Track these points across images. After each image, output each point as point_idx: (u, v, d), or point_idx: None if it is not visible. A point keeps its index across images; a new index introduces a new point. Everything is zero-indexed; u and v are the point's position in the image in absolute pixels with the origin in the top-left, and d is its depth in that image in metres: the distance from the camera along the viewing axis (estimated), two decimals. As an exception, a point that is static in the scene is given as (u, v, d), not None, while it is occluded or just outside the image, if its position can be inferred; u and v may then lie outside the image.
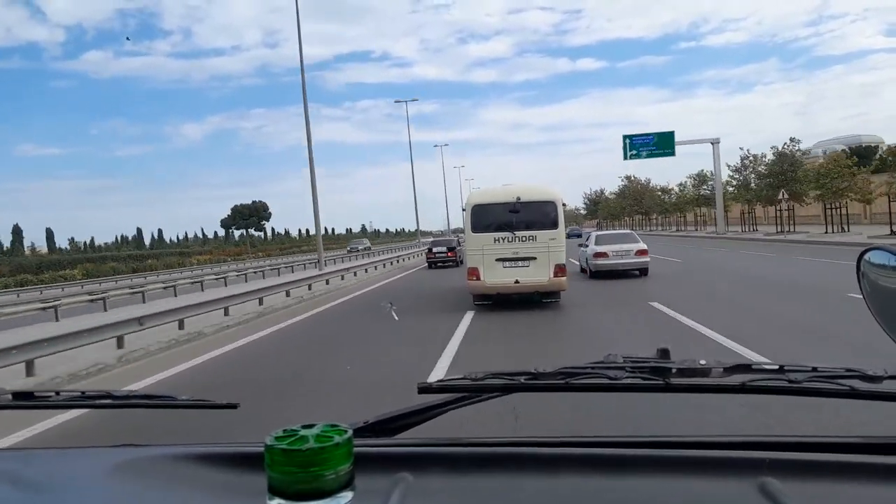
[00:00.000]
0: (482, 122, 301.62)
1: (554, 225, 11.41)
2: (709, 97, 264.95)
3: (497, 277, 11.40)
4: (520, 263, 11.35)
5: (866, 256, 1.16)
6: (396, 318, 10.65)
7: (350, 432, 0.66)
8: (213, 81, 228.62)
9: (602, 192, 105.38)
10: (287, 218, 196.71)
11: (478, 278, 11.51)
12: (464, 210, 12.08)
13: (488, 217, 11.56)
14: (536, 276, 11.32)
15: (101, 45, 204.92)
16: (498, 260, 11.41)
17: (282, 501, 0.62)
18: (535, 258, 11.31)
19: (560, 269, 11.36)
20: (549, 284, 11.38)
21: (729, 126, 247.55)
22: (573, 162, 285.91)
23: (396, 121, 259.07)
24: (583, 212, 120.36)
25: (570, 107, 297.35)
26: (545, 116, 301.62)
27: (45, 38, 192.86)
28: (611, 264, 16.59)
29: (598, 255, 16.79)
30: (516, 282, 11.34)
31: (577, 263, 19.24)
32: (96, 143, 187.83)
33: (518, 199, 11.39)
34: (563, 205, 11.83)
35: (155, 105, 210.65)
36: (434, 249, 26.73)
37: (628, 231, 22.68)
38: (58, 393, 1.13)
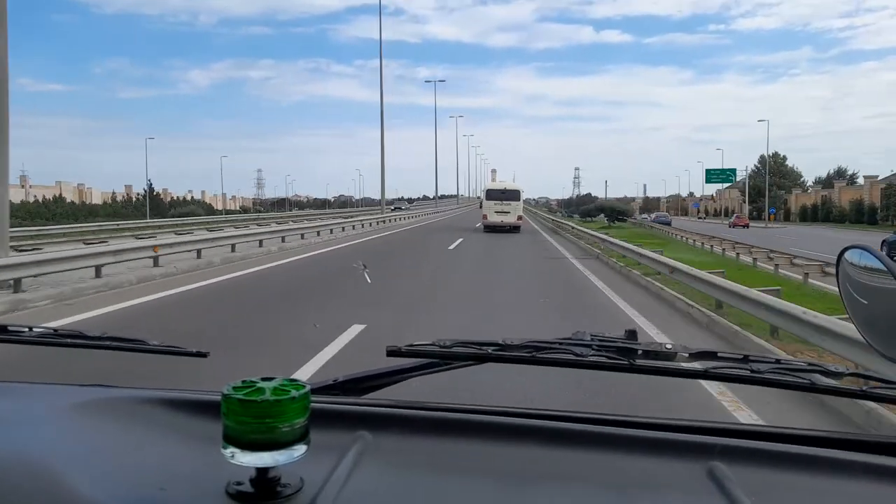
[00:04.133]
0: (497, 91, 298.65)
1: (518, 199, 29.21)
2: (733, 83, 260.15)
3: (494, 218, 28.36)
4: (503, 212, 28.29)
5: (845, 255, 1.17)
6: (369, 280, 11.06)
7: (307, 388, 0.68)
8: (222, 27, 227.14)
9: None
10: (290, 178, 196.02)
11: (486, 218, 28.64)
12: (481, 195, 33.58)
13: (492, 195, 29.15)
14: (509, 219, 28.31)
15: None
16: (496, 212, 28.39)
17: (235, 450, 0.65)
18: (508, 212, 28.34)
19: (519, 217, 28.83)
20: (515, 222, 28.42)
21: (751, 115, 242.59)
22: (587, 140, 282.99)
23: (409, 83, 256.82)
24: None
25: (589, 82, 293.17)
26: (563, 89, 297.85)
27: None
28: None
29: None
30: (502, 221, 28.20)
31: None
32: (96, 82, 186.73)
33: (505, 188, 29.83)
34: (522, 191, 30.65)
35: (158, 48, 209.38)
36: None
37: None
38: (31, 329, 1.17)
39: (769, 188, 76.17)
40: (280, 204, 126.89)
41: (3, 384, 1.08)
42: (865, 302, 1.12)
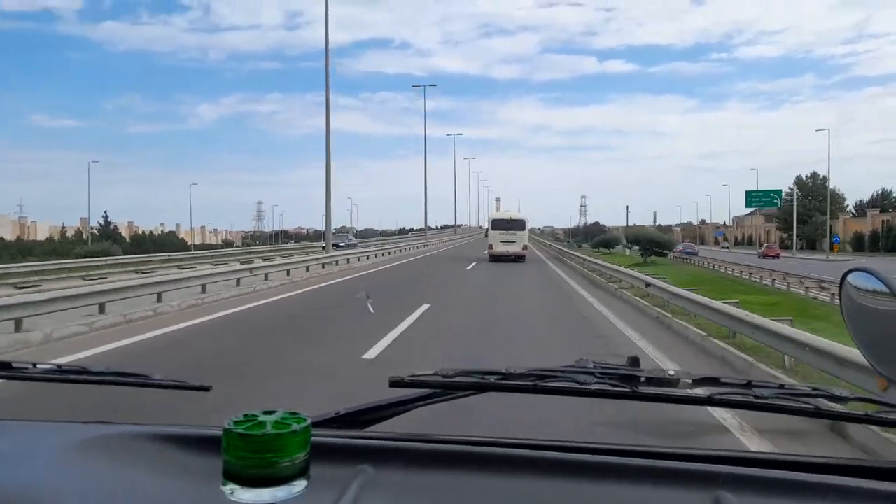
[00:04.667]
0: (502, 122, 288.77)
1: (523, 228, 30.02)
2: (738, 111, 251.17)
3: (499, 248, 28.50)
4: (508, 242, 28.65)
5: (848, 278, 1.17)
6: (372, 310, 10.30)
7: (308, 421, 0.68)
8: (231, 62, 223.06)
9: None
10: (296, 211, 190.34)
11: (492, 248, 28.76)
12: (487, 223, 33.27)
13: (498, 224, 29.46)
14: (514, 248, 28.60)
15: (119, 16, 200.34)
16: (501, 242, 28.56)
17: (235, 486, 0.63)
18: (514, 242, 28.71)
19: (525, 247, 29.40)
20: (520, 252, 28.70)
21: (755, 143, 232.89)
22: (591, 169, 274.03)
23: (414, 114, 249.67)
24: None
25: (593, 111, 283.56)
26: (567, 119, 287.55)
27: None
28: None
29: None
30: (507, 251, 28.43)
31: None
32: (107, 117, 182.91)
33: (510, 217, 30.32)
34: (527, 220, 31.82)
35: (168, 83, 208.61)
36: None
37: None
38: (34, 365, 1.17)
39: (809, 213, 65.30)
40: (277, 237, 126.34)
41: (5, 422, 1.07)
42: (869, 325, 1.12)
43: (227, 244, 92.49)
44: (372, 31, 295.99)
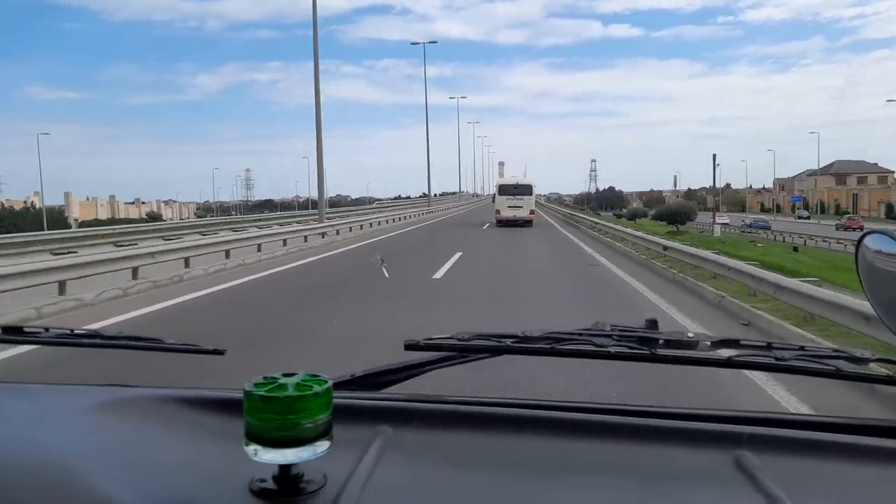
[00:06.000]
0: (506, 88, 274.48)
1: (530, 194, 30.18)
2: (745, 75, 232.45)
3: (506, 213, 29.11)
4: (516, 207, 29.09)
5: (865, 240, 1.16)
6: (387, 274, 10.46)
7: (330, 383, 0.68)
8: (229, 32, 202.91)
9: None
10: (288, 181, 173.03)
11: (499, 213, 29.40)
12: (494, 189, 33.44)
13: (504, 190, 30.03)
14: (522, 213, 29.03)
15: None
16: (508, 207, 29.15)
17: (258, 447, 0.63)
18: (521, 207, 29.11)
19: (532, 212, 29.66)
20: (527, 217, 29.12)
21: (761, 108, 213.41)
22: (597, 136, 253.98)
23: (416, 81, 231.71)
24: None
25: (598, 77, 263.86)
26: (572, 86, 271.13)
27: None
28: None
29: None
30: (514, 216, 28.86)
31: None
32: (104, 89, 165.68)
33: (517, 183, 30.49)
34: (534, 185, 31.57)
35: (165, 52, 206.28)
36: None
37: None
38: (47, 329, 1.16)
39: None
40: (262, 206, 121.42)
41: (23, 385, 1.08)
42: (886, 287, 1.11)
43: (153, 218, 74.01)
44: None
